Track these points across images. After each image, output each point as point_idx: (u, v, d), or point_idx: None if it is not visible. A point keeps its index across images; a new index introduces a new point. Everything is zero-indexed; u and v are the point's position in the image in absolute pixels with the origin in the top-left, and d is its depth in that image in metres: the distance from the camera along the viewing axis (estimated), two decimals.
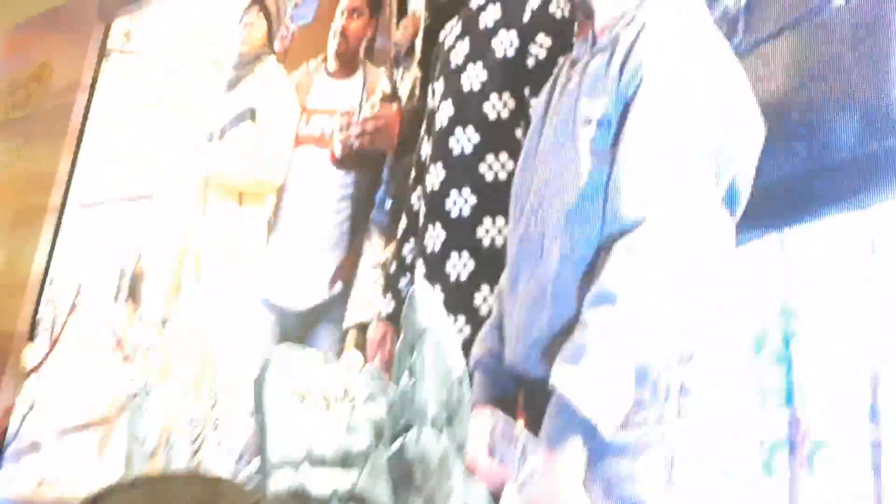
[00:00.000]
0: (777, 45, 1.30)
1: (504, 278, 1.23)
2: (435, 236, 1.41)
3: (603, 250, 1.02)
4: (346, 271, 1.79)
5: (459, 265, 1.38)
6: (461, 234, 1.38)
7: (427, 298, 1.30)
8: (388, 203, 1.67)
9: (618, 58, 1.08)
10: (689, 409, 0.99)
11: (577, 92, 1.11)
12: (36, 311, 2.46)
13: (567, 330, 1.03)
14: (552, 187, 1.11)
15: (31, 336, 2.44)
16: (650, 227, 0.99)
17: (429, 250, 1.42)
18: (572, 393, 0.97)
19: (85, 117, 2.53)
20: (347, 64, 2.00)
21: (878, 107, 1.14)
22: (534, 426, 1.08)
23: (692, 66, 1.05)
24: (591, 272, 1.03)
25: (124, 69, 2.51)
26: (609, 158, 1.05)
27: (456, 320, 1.37)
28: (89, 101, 2.52)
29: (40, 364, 2.40)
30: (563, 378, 0.99)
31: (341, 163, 1.77)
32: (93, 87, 2.53)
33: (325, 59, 2.03)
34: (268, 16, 2.09)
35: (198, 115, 2.24)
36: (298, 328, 1.85)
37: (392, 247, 1.60)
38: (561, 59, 1.29)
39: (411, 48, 1.74)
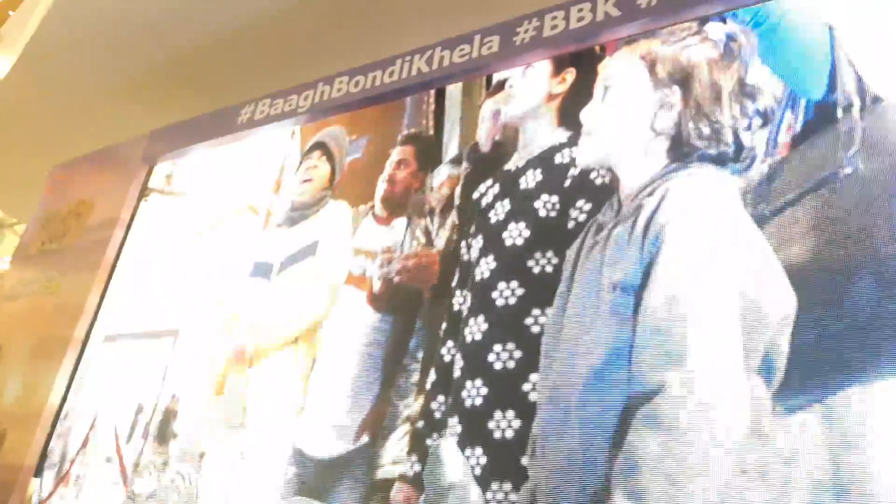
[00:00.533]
0: (796, 211, 1.34)
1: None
2: (475, 392, 1.38)
3: (626, 418, 1.02)
4: (374, 423, 1.76)
5: (504, 423, 1.36)
6: (506, 388, 1.34)
7: (454, 454, 1.28)
8: (420, 353, 1.67)
9: (640, 224, 1.12)
10: None
11: (601, 258, 1.15)
12: (46, 445, 2.42)
13: (599, 499, 1.01)
14: (579, 350, 1.12)
15: (39, 471, 2.38)
16: (671, 394, 0.99)
17: (467, 404, 1.39)
18: None
19: (119, 253, 2.60)
20: (393, 210, 2.06)
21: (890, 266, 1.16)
22: None
23: (714, 230, 1.08)
24: (618, 438, 1.03)
25: (162, 208, 2.60)
26: (632, 323, 1.06)
27: (502, 484, 1.32)
28: (125, 237, 2.60)
29: (45, 500, 2.33)
30: None
31: (376, 300, 1.78)
32: (130, 224, 2.62)
33: (373, 206, 2.10)
34: (331, 159, 2.18)
35: (232, 255, 2.30)
36: (320, 480, 1.80)
37: (420, 401, 1.58)
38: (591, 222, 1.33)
39: (447, 205, 1.80)
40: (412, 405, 1.66)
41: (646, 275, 1.07)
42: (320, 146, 2.20)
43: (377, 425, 1.69)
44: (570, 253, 1.31)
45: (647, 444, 0.99)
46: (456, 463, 1.24)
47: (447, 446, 1.29)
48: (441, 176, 1.88)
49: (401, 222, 1.99)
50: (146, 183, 2.66)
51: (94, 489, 2.22)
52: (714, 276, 1.06)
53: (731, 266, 1.08)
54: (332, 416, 1.80)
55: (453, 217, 1.73)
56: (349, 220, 2.05)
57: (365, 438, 1.71)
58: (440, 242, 1.75)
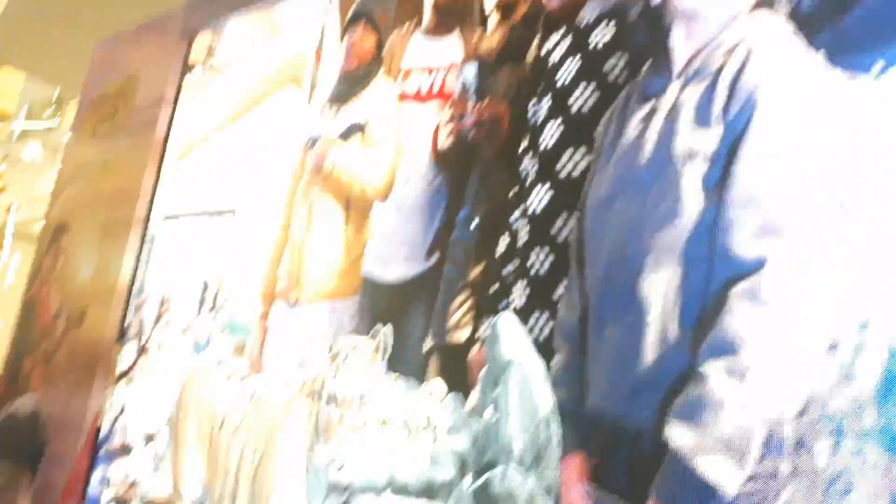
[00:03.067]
0: None
1: (564, 318, 1.21)
2: (541, 260, 1.35)
3: (716, 295, 0.97)
4: (444, 243, 1.71)
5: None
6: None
7: (512, 329, 1.30)
8: (475, 222, 1.64)
9: (722, 89, 1.03)
10: (804, 465, 0.94)
11: (669, 126, 1.07)
12: (124, 319, 2.56)
13: (679, 382, 0.98)
14: (643, 228, 1.07)
15: (120, 342, 2.54)
16: (774, 269, 0.94)
17: (533, 273, 1.36)
18: (692, 455, 0.94)
19: (168, 132, 2.61)
20: (444, 20, 1.93)
21: None
22: (607, 473, 1.08)
23: (810, 94, 0.99)
24: (702, 319, 0.98)
25: (206, 84, 2.57)
26: (715, 196, 1.00)
27: None
28: (172, 115, 2.60)
29: (128, 370, 2.50)
30: (681, 438, 0.95)
31: (443, 157, 1.72)
32: (175, 101, 2.61)
33: (417, 22, 1.99)
34: (376, 27, 2.06)
35: (279, 130, 2.28)
36: (390, 304, 1.81)
37: (479, 268, 1.57)
38: (624, 92, 1.24)
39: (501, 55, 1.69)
40: (473, 271, 1.65)
41: (733, 144, 1.00)
42: (362, 16, 2.08)
43: (446, 245, 1.67)
44: (607, 122, 1.23)
45: (748, 323, 0.94)
46: (514, 339, 1.25)
47: (505, 321, 1.29)
48: None
49: (456, 35, 1.87)
50: (187, 57, 2.61)
51: (172, 359, 2.37)
52: (813, 142, 0.98)
53: (832, 132, 0.99)
54: (400, 239, 1.78)
55: (512, 73, 1.61)
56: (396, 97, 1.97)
57: (435, 257, 1.70)
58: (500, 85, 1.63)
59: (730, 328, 0.95)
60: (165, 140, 2.60)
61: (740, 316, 0.95)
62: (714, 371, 0.95)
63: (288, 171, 2.12)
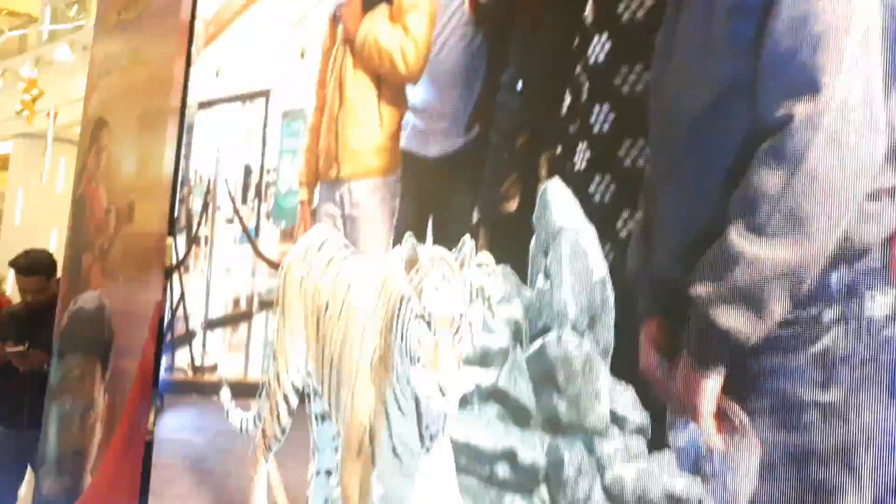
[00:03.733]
0: None
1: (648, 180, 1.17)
2: (604, 115, 1.29)
3: (747, 150, 0.98)
4: (484, 113, 1.65)
5: (634, 151, 1.28)
6: (636, 113, 1.23)
7: (562, 196, 1.27)
8: (520, 84, 1.56)
9: None
10: (854, 312, 0.95)
11: None
12: (172, 211, 2.60)
13: (708, 236, 1.01)
14: (690, 85, 1.05)
15: (172, 234, 2.60)
16: (797, 126, 0.94)
17: (596, 131, 1.30)
18: (710, 306, 0.99)
19: (192, 13, 2.54)
20: None
21: None
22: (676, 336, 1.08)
23: None
24: (734, 173, 0.99)
25: None
26: (752, 53, 0.98)
27: (632, 216, 1.29)
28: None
29: (182, 261, 2.57)
30: (701, 291, 1.00)
31: (482, 9, 1.64)
32: None
33: None
34: None
35: (306, 3, 2.19)
36: (433, 181, 1.79)
37: (527, 134, 1.51)
38: None
39: None
40: (521, 137, 1.58)
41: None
42: None
43: (487, 117, 1.63)
44: None
45: (769, 179, 0.96)
46: (564, 205, 1.22)
47: (554, 188, 1.26)
48: None
49: None
50: None
51: (223, 247, 2.41)
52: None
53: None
54: (438, 111, 1.73)
55: None
56: None
57: (476, 130, 1.66)
58: None
59: (751, 184, 0.97)
60: (191, 23, 2.53)
61: (762, 172, 0.96)
62: (735, 226, 0.98)
63: (317, 45, 2.06)
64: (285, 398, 1.68)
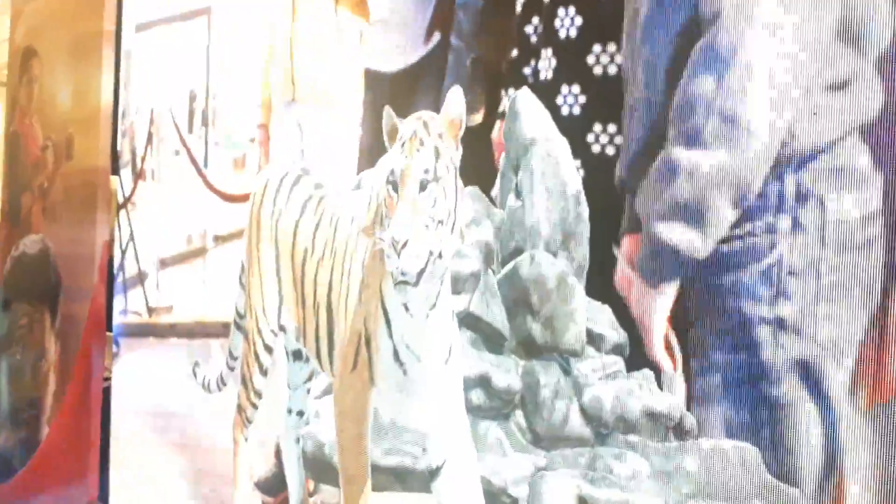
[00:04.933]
0: None
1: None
2: (569, 21, 1.25)
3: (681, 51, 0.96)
4: (444, 18, 1.60)
5: (605, 57, 1.23)
6: (604, 18, 1.20)
7: (532, 105, 1.22)
8: None
9: None
10: (806, 217, 0.93)
11: None
12: (115, 145, 2.50)
13: (651, 144, 1.00)
14: None
15: (115, 171, 2.50)
16: (727, 19, 0.91)
17: (562, 36, 1.26)
18: (653, 221, 0.99)
19: None
20: None
21: None
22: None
23: None
24: (675, 75, 0.98)
25: None
26: None
27: (606, 128, 1.24)
28: None
29: (129, 198, 2.48)
30: (643, 206, 1.01)
31: None
32: None
33: None
34: None
35: None
36: (394, 96, 1.75)
37: (491, 37, 1.44)
38: None
39: None
40: (484, 41, 1.52)
41: None
42: None
43: (448, 21, 1.57)
44: None
45: (703, 80, 0.94)
46: (535, 115, 1.17)
47: (523, 97, 1.21)
48: None
49: None
50: None
51: (171, 182, 2.33)
52: None
53: None
54: (395, 20, 1.68)
55: None
56: None
57: (437, 37, 1.61)
58: None
59: (686, 89, 0.95)
60: None
61: (696, 74, 0.94)
62: (672, 135, 0.97)
63: None
64: (257, 359, 1.58)
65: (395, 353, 1.14)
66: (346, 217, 1.39)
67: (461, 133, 1.11)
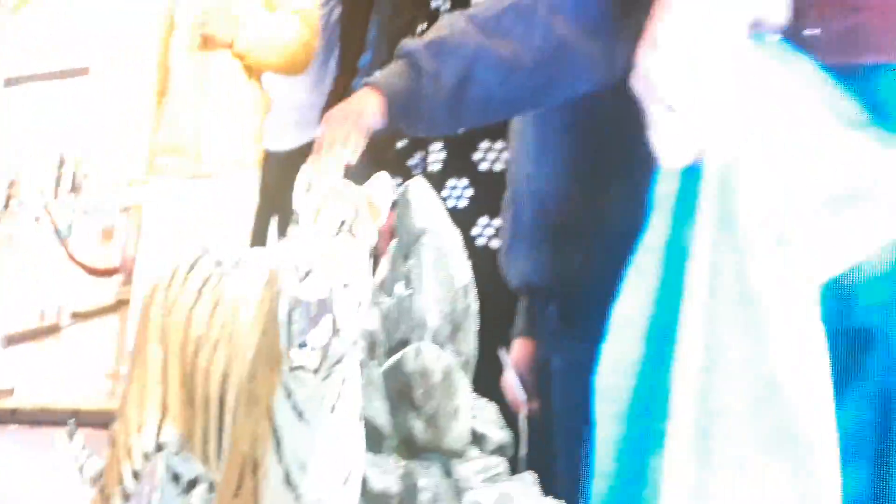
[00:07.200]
0: None
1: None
2: None
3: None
4: (341, 99, 1.68)
5: (493, 154, 1.29)
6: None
7: (425, 195, 1.25)
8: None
9: None
10: None
11: None
12: None
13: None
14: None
15: None
16: None
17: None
18: None
19: None
20: None
21: None
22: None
23: None
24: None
25: None
26: None
27: (492, 219, 1.28)
28: None
29: None
30: None
31: None
32: None
33: None
34: None
35: None
36: (285, 177, 1.75)
37: None
38: None
39: None
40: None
41: None
42: None
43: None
44: None
45: None
46: (427, 206, 1.20)
47: (416, 186, 1.24)
48: None
49: None
50: None
51: (28, 250, 2.22)
52: None
53: None
54: (291, 102, 1.71)
55: None
56: None
57: None
58: None
59: None
60: None
61: None
62: None
63: (154, 18, 1.95)
64: (121, 482, 1.40)
65: (286, 477, 1.02)
66: (249, 297, 1.31)
67: (378, 222, 1.05)
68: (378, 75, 1.12)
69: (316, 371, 0.95)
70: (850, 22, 0.89)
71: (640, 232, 0.93)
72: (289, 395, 1.01)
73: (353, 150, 1.04)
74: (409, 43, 1.10)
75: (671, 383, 0.85)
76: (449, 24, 1.16)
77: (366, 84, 1.10)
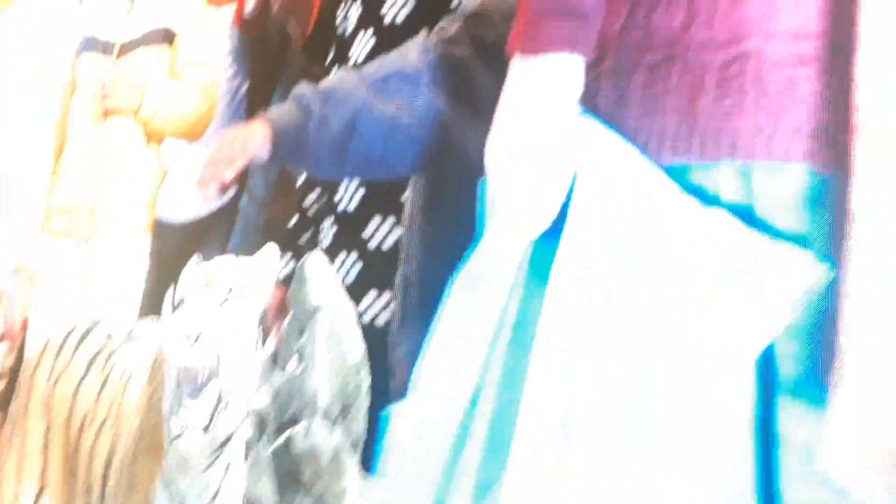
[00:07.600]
0: None
1: None
2: (350, 194, 1.36)
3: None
4: (240, 175, 1.69)
5: (383, 230, 1.32)
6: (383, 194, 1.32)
7: (321, 272, 1.26)
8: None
9: None
10: None
11: None
12: None
13: None
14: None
15: None
16: None
17: (341, 209, 1.37)
18: None
19: None
20: None
21: None
22: None
23: None
24: None
25: None
26: None
27: (380, 294, 1.31)
28: None
29: None
30: None
31: (247, 23, 1.69)
32: None
33: None
34: None
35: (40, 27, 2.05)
36: (181, 248, 1.74)
37: (282, 202, 1.52)
38: None
39: None
40: (276, 204, 1.59)
41: None
42: None
43: (244, 177, 1.62)
44: None
45: None
46: (323, 282, 1.21)
47: (313, 263, 1.25)
48: None
49: None
50: None
51: None
52: None
53: None
54: (191, 172, 1.72)
55: None
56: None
57: (232, 192, 1.64)
58: None
59: None
60: None
61: None
62: None
63: (53, 82, 1.93)
64: None
65: None
66: (137, 376, 1.28)
67: (265, 292, 1.06)
68: (271, 111, 1.21)
69: (206, 429, 0.95)
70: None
71: None
72: (168, 483, 1.01)
73: (233, 171, 1.12)
74: (302, 87, 1.18)
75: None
76: (340, 78, 1.26)
77: (259, 118, 1.18)
